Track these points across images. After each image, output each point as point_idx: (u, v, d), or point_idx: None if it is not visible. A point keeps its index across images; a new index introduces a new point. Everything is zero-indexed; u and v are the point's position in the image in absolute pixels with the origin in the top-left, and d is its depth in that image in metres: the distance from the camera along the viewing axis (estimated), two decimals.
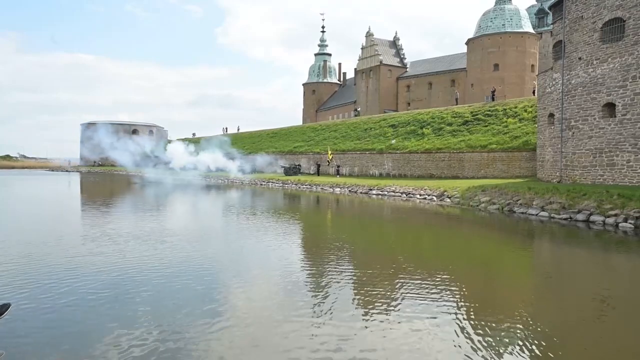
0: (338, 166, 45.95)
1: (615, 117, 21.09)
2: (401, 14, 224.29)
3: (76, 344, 5.97)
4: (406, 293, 8.35)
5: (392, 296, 8.18)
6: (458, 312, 7.31)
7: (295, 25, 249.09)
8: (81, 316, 7.00)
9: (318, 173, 48.13)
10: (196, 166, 59.71)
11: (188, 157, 62.57)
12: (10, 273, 9.49)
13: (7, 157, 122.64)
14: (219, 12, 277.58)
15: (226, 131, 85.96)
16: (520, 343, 6.09)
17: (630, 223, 15.72)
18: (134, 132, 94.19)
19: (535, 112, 31.35)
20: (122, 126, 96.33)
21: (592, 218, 16.97)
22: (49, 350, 5.77)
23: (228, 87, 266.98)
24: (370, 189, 32.65)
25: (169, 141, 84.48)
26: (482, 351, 5.80)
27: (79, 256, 11.17)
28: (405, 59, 76.25)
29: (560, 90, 24.27)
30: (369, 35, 76.83)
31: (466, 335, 6.32)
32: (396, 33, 78.90)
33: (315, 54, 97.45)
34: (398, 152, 41.09)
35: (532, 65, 56.77)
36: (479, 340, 6.13)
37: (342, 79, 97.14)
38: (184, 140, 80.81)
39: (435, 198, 26.52)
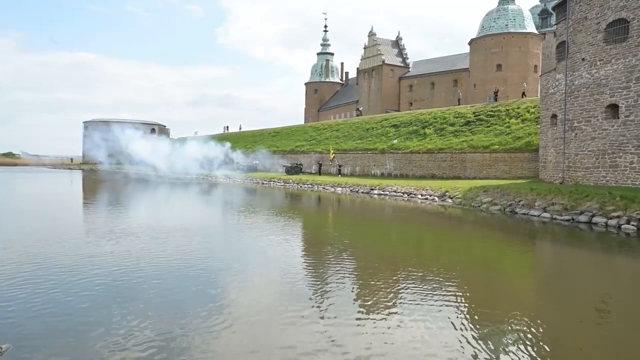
0: (340, 166, 45.89)
1: (618, 118, 21.00)
2: (401, 13, 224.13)
3: (76, 343, 5.94)
4: (408, 293, 8.30)
5: (394, 296, 8.15)
6: (459, 312, 7.27)
7: (295, 25, 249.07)
8: (82, 315, 6.97)
9: (319, 172, 48.09)
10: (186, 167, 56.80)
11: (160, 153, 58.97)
12: (11, 273, 9.47)
13: (9, 155, 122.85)
14: (219, 12, 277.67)
15: (227, 130, 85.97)
16: (520, 343, 6.06)
17: (632, 225, 15.64)
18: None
19: (538, 112, 31.26)
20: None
21: (595, 219, 16.90)
22: (50, 348, 5.74)
23: (228, 87, 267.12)
24: (372, 189, 32.60)
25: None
26: (482, 351, 5.77)
27: (79, 253, 11.16)
28: (407, 58, 76.12)
29: (563, 91, 24.18)
30: (371, 34, 76.71)
31: (467, 335, 6.29)
32: (399, 33, 78.85)
33: (318, 54, 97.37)
34: (400, 152, 41.01)
35: (535, 66, 56.62)
36: (479, 341, 6.10)
37: (344, 79, 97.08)
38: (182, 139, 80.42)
39: (436, 198, 26.46)
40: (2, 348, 5.49)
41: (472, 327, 6.64)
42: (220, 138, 69.42)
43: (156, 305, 7.41)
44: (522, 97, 43.11)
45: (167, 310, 7.17)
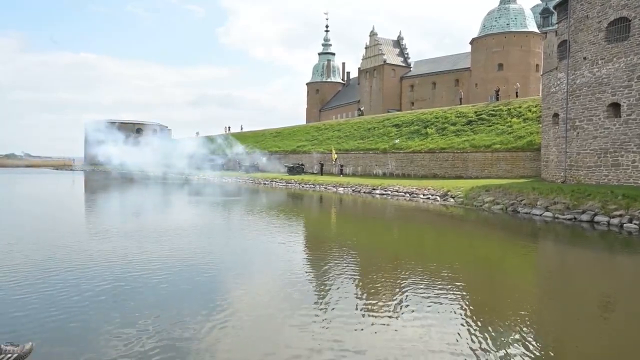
0: (341, 166, 45.91)
1: (620, 117, 21.00)
2: (401, 13, 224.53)
3: (76, 345, 5.98)
4: (409, 293, 8.33)
5: (396, 296, 8.18)
6: (461, 310, 7.30)
7: (295, 25, 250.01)
8: (83, 317, 7.02)
9: (321, 172, 48.13)
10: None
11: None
12: (12, 272, 9.52)
13: (11, 156, 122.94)
14: (220, 12, 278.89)
15: (229, 130, 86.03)
16: (516, 340, 6.13)
17: (635, 224, 15.64)
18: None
19: (540, 112, 31.25)
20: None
21: (597, 218, 16.90)
22: (50, 348, 5.79)
23: (228, 87, 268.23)
24: (374, 189, 32.62)
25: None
26: (479, 347, 5.80)
27: (79, 253, 11.22)
28: (409, 58, 76.16)
29: (564, 90, 24.17)
30: (372, 34, 76.75)
31: (466, 332, 6.33)
32: (400, 33, 78.83)
33: (319, 54, 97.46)
34: (401, 151, 41.03)
35: (537, 65, 56.60)
36: (478, 337, 6.14)
37: (345, 79, 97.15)
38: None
39: (438, 198, 26.47)
40: (24, 346, 5.04)
41: (472, 324, 6.67)
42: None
43: (157, 305, 7.45)
44: (516, 96, 43.20)
45: (169, 310, 7.21)
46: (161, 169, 59.31)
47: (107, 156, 59.99)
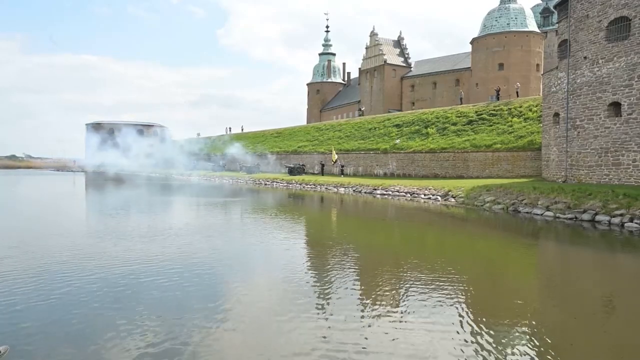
0: (342, 166, 45.92)
1: (620, 116, 21.00)
2: (401, 13, 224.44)
3: (77, 344, 6.00)
4: (410, 293, 8.35)
5: (397, 297, 8.20)
6: (462, 311, 7.32)
7: (296, 25, 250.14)
8: (84, 316, 7.04)
9: (322, 173, 48.13)
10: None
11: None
12: (13, 272, 9.55)
13: (12, 157, 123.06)
14: (220, 13, 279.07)
15: (230, 131, 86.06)
16: (511, 338, 6.17)
17: (636, 223, 15.63)
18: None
19: (540, 111, 31.24)
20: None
21: (598, 218, 16.90)
22: (52, 348, 5.81)
23: (230, 88, 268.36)
24: (375, 189, 32.63)
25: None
26: (482, 348, 5.82)
27: (82, 254, 11.24)
28: (409, 58, 76.13)
29: (565, 90, 24.18)
30: (373, 35, 76.73)
31: (468, 333, 6.34)
32: (400, 33, 78.80)
33: (320, 54, 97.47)
34: (402, 151, 41.03)
35: (537, 65, 56.56)
36: (480, 338, 6.16)
37: (346, 79, 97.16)
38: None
39: (439, 198, 26.48)
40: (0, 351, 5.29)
41: (472, 323, 6.70)
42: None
43: (158, 305, 7.47)
44: (517, 96, 43.18)
45: (169, 311, 7.23)
46: (149, 169, 59.23)
47: (88, 158, 60.79)
